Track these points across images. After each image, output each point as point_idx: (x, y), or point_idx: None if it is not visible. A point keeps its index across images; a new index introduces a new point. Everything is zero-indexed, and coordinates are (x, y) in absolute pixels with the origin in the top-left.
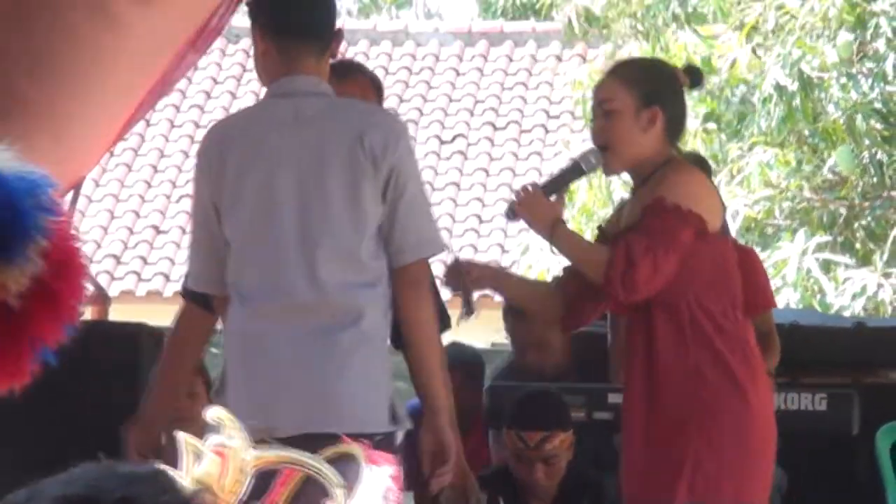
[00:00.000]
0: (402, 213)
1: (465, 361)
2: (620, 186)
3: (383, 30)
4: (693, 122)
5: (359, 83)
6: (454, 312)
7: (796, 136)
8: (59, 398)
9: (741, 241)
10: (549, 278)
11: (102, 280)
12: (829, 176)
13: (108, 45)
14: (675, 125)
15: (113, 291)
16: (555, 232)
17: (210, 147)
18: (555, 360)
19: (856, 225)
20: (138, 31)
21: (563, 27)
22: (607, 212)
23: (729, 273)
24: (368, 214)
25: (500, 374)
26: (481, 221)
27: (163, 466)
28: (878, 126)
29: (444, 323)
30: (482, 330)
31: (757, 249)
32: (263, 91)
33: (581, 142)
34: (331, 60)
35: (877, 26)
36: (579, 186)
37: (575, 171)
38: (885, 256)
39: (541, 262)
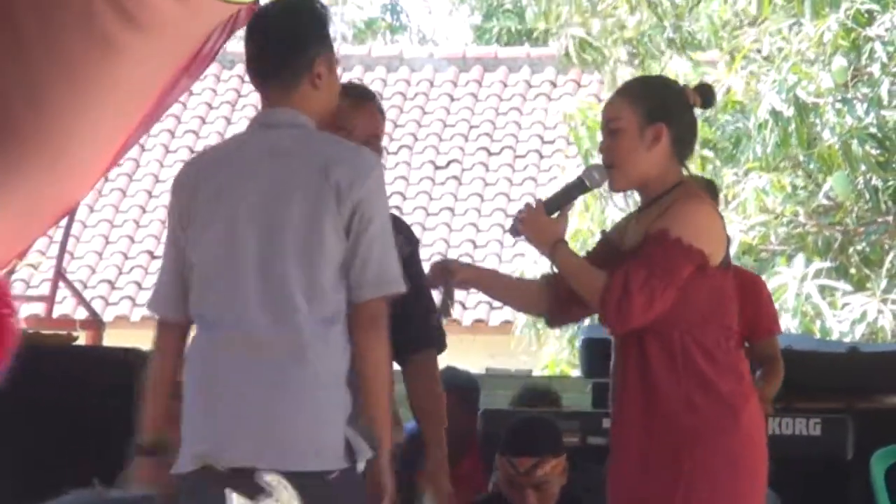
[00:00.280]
0: (364, 249)
1: (459, 386)
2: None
3: (378, 55)
4: None
5: (370, 112)
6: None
7: (792, 162)
8: (55, 423)
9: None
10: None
11: (97, 305)
12: (824, 201)
13: (104, 71)
14: (683, 143)
15: (107, 316)
16: (555, 251)
17: (185, 176)
18: None
19: (850, 250)
20: (134, 57)
21: (558, 54)
22: None
23: (724, 306)
24: (328, 247)
25: None
26: (476, 247)
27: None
28: (874, 151)
29: (440, 345)
30: (477, 355)
31: None
32: None
33: (576, 167)
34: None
35: (871, 51)
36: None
37: (578, 187)
38: (884, 283)
39: None
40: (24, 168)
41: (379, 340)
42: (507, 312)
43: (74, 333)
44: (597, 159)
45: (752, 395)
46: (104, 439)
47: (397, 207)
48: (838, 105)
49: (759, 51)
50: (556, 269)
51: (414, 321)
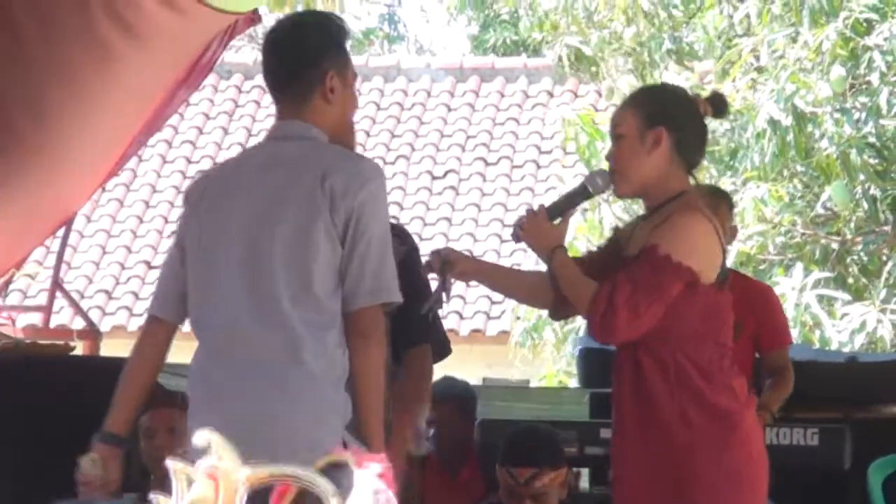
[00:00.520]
0: (359, 257)
1: (457, 395)
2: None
3: (375, 65)
4: None
5: None
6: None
7: (790, 171)
8: (51, 432)
9: None
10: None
11: (94, 315)
12: (823, 211)
13: (102, 80)
14: (687, 149)
15: (104, 327)
16: (552, 257)
17: (194, 187)
18: None
19: (849, 260)
20: (132, 66)
21: (554, 65)
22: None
23: (718, 325)
24: (322, 254)
25: None
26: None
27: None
28: (872, 161)
29: (444, 352)
30: (474, 364)
31: None
32: (255, 126)
33: (573, 177)
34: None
35: (870, 60)
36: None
37: (581, 193)
38: (883, 293)
39: None
40: (22, 177)
41: (371, 349)
42: (505, 322)
43: (71, 343)
44: (596, 166)
45: (748, 410)
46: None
47: (394, 217)
48: (836, 114)
49: (756, 59)
50: (551, 274)
51: (413, 323)
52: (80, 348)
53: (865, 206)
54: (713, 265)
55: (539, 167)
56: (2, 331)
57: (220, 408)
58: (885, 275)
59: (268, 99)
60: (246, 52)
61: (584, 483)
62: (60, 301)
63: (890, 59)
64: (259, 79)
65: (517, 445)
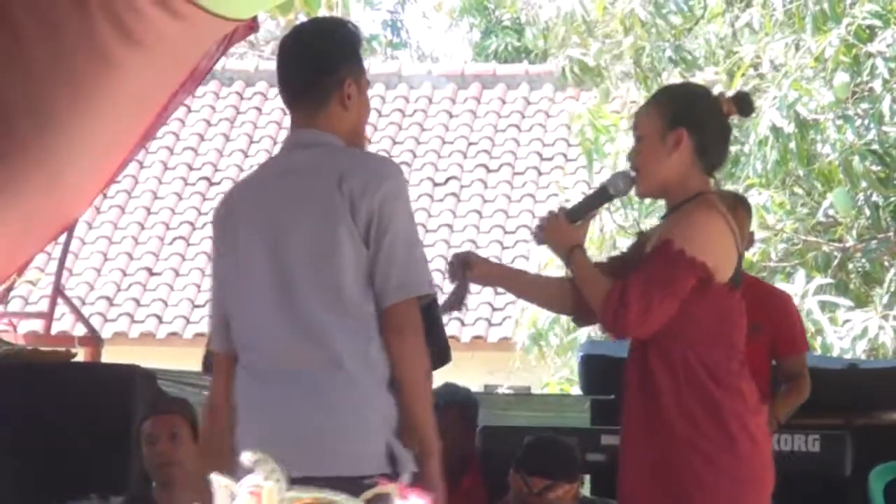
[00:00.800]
0: (384, 255)
1: (458, 402)
2: (617, 233)
3: (376, 72)
4: None
5: None
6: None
7: (792, 178)
8: (53, 438)
9: None
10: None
11: (95, 322)
12: (825, 218)
13: (105, 89)
14: (708, 150)
15: (106, 333)
16: (571, 257)
17: (220, 208)
18: None
19: (851, 267)
20: (135, 75)
21: (557, 74)
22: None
23: (730, 326)
24: (346, 258)
25: None
26: None
27: None
28: (875, 167)
29: (444, 358)
30: (476, 371)
31: None
32: (256, 133)
33: (574, 184)
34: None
35: (873, 67)
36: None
37: (603, 195)
38: (885, 299)
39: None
40: (23, 183)
41: (406, 344)
42: (506, 329)
43: (73, 350)
44: (599, 162)
45: (756, 415)
46: (102, 455)
47: None
48: (839, 121)
49: (757, 66)
50: (570, 275)
51: None
52: (81, 355)
53: (867, 212)
54: (728, 264)
55: (540, 174)
56: (3, 337)
57: (266, 424)
58: (887, 282)
59: (269, 105)
60: (247, 59)
61: (585, 490)
62: (62, 307)
63: (893, 65)
64: (260, 85)
65: (537, 454)
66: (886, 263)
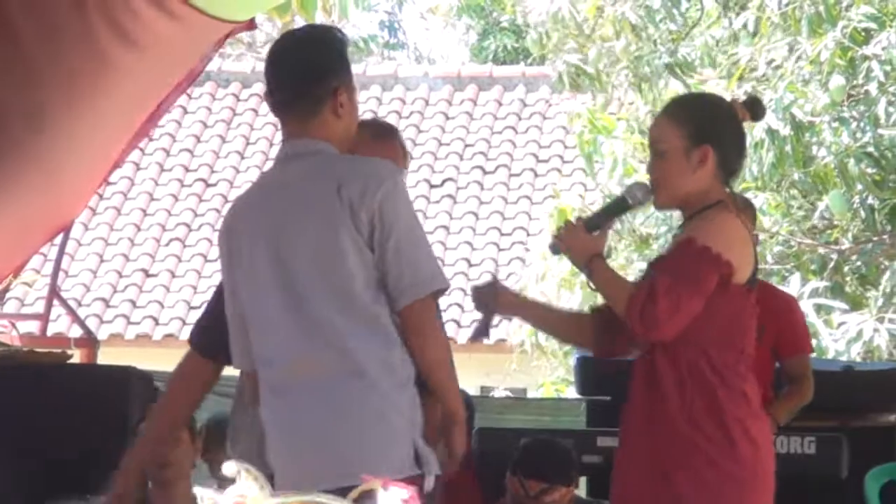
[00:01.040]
0: (392, 257)
1: None
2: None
3: (373, 74)
4: None
5: (392, 148)
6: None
7: (788, 181)
8: (48, 440)
9: None
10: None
11: (91, 323)
12: (820, 221)
13: (102, 89)
14: (729, 162)
15: (102, 335)
16: (591, 266)
17: (224, 223)
18: None
19: (846, 269)
20: (132, 76)
21: (554, 78)
22: None
23: (741, 329)
24: (350, 264)
25: None
26: (470, 265)
27: None
28: (870, 170)
29: None
30: (472, 373)
31: None
32: (252, 135)
33: (570, 186)
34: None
35: (868, 70)
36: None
37: (620, 205)
38: (880, 302)
39: None
40: (19, 184)
41: (430, 340)
42: (502, 331)
43: (69, 352)
44: (597, 163)
45: (759, 420)
46: (97, 456)
47: None
48: (834, 124)
49: (753, 70)
50: (591, 285)
51: None
52: (77, 356)
53: (863, 215)
54: (746, 265)
55: (537, 176)
56: None
57: (295, 441)
58: (882, 284)
59: (265, 107)
60: (243, 60)
61: (581, 492)
62: (58, 309)
63: (888, 68)
64: (257, 87)
65: (534, 457)
66: (882, 266)
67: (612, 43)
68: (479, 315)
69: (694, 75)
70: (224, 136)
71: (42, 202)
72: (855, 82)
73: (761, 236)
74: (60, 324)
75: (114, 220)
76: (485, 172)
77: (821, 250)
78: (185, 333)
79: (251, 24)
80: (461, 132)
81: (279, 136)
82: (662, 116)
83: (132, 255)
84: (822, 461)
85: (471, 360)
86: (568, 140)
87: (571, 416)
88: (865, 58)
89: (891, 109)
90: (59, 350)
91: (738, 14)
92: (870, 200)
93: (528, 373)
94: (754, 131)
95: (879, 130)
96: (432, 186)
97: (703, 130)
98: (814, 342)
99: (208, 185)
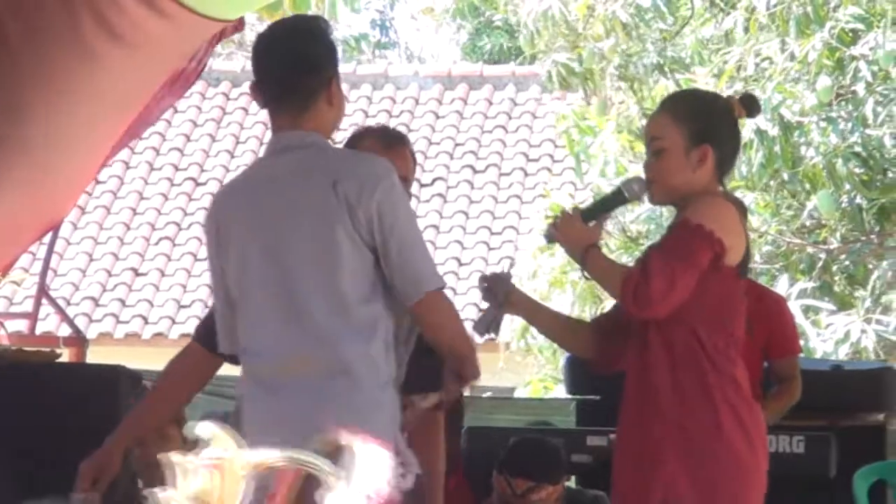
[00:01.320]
0: (395, 257)
1: None
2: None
3: (363, 73)
4: None
5: (402, 155)
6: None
7: (776, 181)
8: (37, 439)
9: None
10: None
11: (80, 322)
12: (808, 220)
13: (89, 86)
14: (727, 161)
15: (91, 334)
16: (586, 255)
17: (209, 212)
18: None
19: (835, 269)
20: (120, 73)
21: (544, 78)
22: None
23: (733, 311)
24: (346, 261)
25: None
26: (461, 264)
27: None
28: (858, 170)
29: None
30: None
31: None
32: (242, 134)
33: (560, 185)
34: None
35: (856, 70)
36: None
37: (617, 198)
38: (867, 302)
39: None
40: (6, 181)
41: (444, 325)
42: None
43: (58, 350)
44: (586, 163)
45: (750, 406)
46: (86, 456)
47: None
48: (823, 124)
49: (741, 69)
50: (586, 274)
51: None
52: (66, 355)
53: (851, 215)
54: (738, 247)
55: (527, 175)
56: None
57: (280, 437)
58: (870, 284)
59: (256, 106)
60: (233, 59)
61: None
62: (46, 308)
63: (875, 68)
64: (247, 86)
65: (520, 456)
66: (870, 265)
67: (602, 42)
68: (478, 313)
69: (684, 73)
70: (214, 135)
71: (30, 200)
72: (843, 82)
73: (751, 236)
74: (49, 322)
75: (103, 219)
76: (475, 172)
77: (809, 250)
78: (175, 332)
79: (239, 25)
80: (451, 131)
81: (269, 135)
82: (662, 113)
83: (122, 253)
84: (811, 460)
85: None
86: (558, 139)
87: (561, 415)
88: (853, 58)
89: (878, 109)
90: (47, 349)
91: (727, 14)
92: (858, 200)
93: (517, 372)
94: (743, 132)
95: (867, 130)
96: (422, 185)
97: (703, 130)
98: (802, 343)
99: (198, 184)
